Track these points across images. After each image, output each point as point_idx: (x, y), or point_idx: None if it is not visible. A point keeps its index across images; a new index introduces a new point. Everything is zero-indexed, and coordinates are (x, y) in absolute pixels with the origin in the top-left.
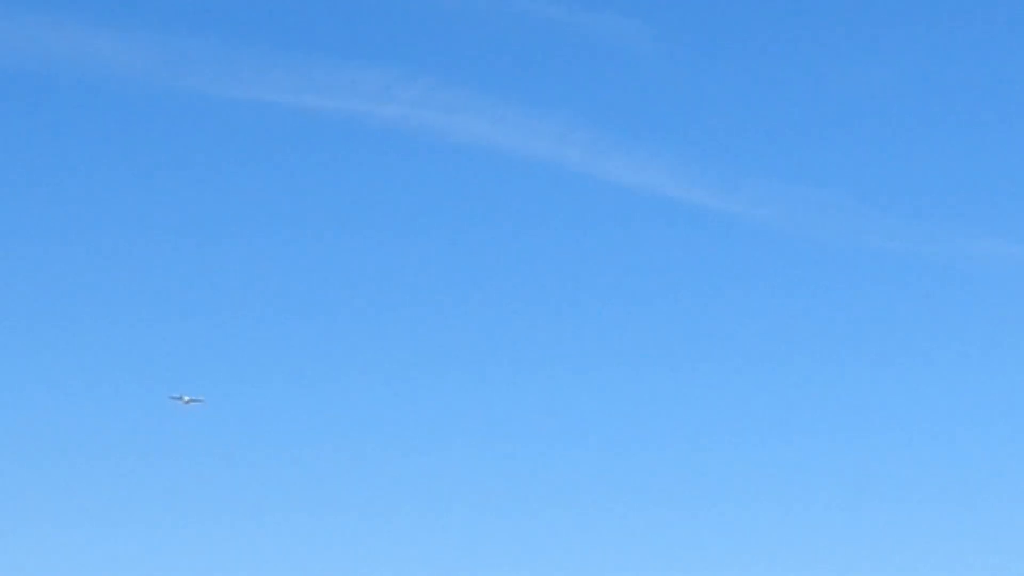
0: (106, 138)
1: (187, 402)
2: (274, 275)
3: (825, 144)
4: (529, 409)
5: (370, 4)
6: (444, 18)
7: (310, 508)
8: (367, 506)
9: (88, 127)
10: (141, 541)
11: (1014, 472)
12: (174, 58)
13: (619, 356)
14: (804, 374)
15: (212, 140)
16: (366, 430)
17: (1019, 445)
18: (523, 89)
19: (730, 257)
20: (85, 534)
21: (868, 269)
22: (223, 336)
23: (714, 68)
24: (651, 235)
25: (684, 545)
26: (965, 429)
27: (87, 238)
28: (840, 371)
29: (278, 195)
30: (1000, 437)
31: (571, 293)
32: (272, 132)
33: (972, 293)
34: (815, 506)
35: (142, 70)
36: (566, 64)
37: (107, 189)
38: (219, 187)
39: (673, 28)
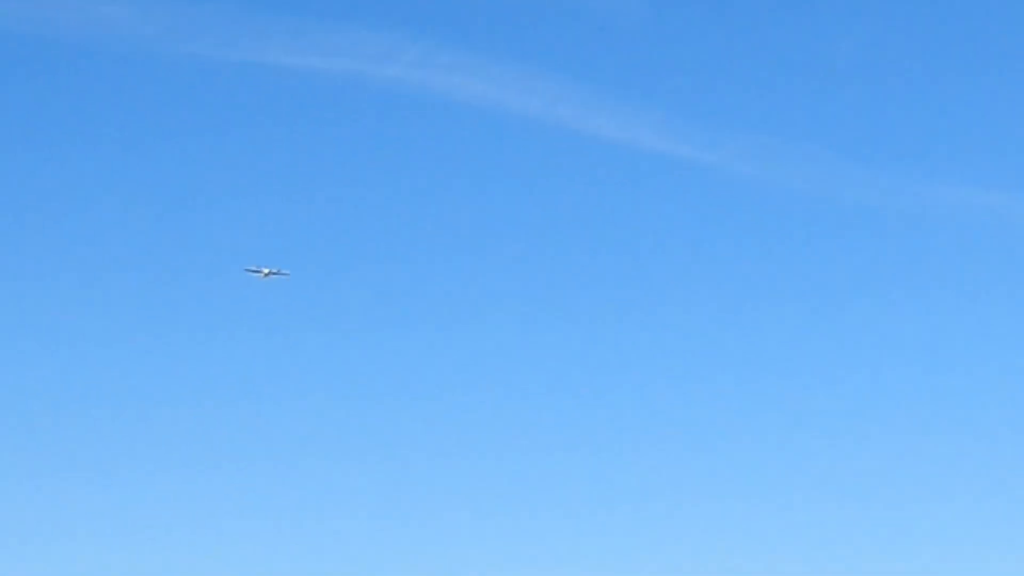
0: (112, 102)
1: (266, 275)
2: (276, 235)
3: (804, 100)
4: (521, 359)
5: None
6: None
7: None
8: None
9: (93, 91)
10: None
11: (991, 421)
12: (178, 23)
13: (608, 308)
14: (787, 325)
15: (216, 103)
16: (356, 381)
17: (999, 398)
18: (517, 50)
19: (714, 208)
20: None
21: (848, 220)
22: (222, 301)
23: (698, 29)
24: (639, 188)
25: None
26: (946, 380)
27: (91, 205)
28: (821, 322)
29: (282, 155)
30: (979, 390)
31: (562, 244)
32: (275, 94)
33: (950, 242)
34: (792, 477)
35: (146, 35)
36: (559, 26)
37: (112, 153)
38: (224, 149)
39: None
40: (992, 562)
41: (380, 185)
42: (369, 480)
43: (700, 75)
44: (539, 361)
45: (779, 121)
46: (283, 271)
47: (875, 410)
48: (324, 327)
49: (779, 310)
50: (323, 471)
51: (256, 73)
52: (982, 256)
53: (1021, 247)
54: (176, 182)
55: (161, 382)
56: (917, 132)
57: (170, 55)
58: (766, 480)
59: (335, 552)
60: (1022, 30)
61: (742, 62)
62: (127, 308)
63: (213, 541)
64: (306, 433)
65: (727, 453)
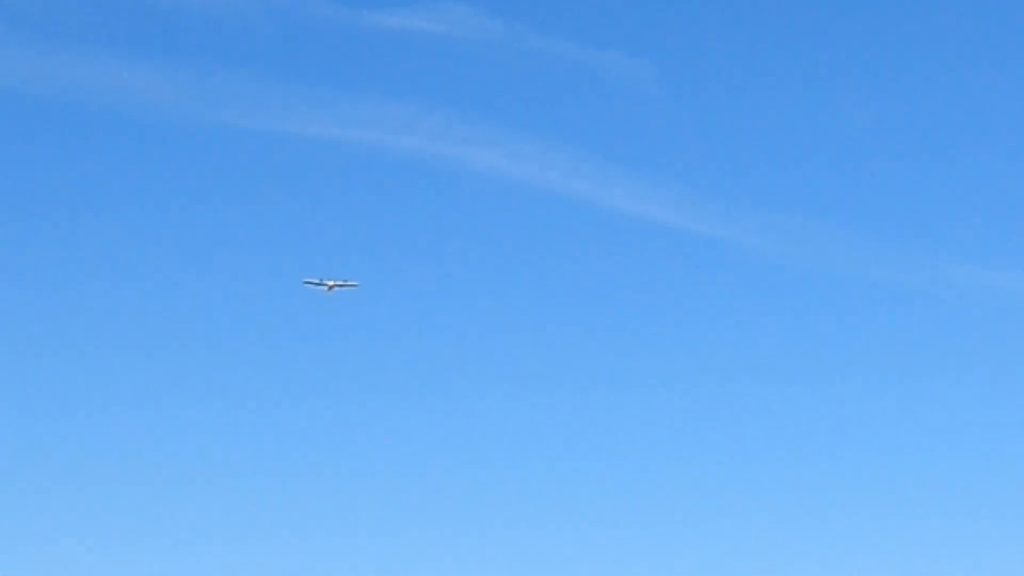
0: (139, 168)
1: (331, 288)
2: (296, 302)
3: (819, 176)
4: (531, 428)
5: (392, 41)
6: (461, 55)
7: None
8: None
9: (122, 157)
10: None
11: (995, 490)
12: (205, 91)
13: (622, 378)
14: (799, 397)
15: (237, 170)
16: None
17: (1003, 464)
18: (535, 123)
19: (728, 284)
20: None
21: (860, 295)
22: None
23: (714, 104)
24: (654, 262)
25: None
26: (959, 455)
27: (119, 266)
28: (834, 394)
29: (301, 223)
30: (985, 459)
31: (578, 316)
32: (295, 162)
33: (960, 320)
34: (802, 515)
35: (169, 102)
36: (576, 99)
37: (140, 217)
38: (243, 216)
39: (676, 66)
40: None
41: (397, 255)
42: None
43: (716, 150)
44: (547, 430)
45: (794, 197)
46: (350, 282)
47: (885, 486)
48: (335, 396)
49: (793, 386)
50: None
51: (277, 141)
52: (996, 334)
53: None
54: (192, 250)
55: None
56: (931, 210)
57: (192, 122)
58: (757, 500)
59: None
60: None
61: (758, 138)
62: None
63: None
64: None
65: (738, 530)
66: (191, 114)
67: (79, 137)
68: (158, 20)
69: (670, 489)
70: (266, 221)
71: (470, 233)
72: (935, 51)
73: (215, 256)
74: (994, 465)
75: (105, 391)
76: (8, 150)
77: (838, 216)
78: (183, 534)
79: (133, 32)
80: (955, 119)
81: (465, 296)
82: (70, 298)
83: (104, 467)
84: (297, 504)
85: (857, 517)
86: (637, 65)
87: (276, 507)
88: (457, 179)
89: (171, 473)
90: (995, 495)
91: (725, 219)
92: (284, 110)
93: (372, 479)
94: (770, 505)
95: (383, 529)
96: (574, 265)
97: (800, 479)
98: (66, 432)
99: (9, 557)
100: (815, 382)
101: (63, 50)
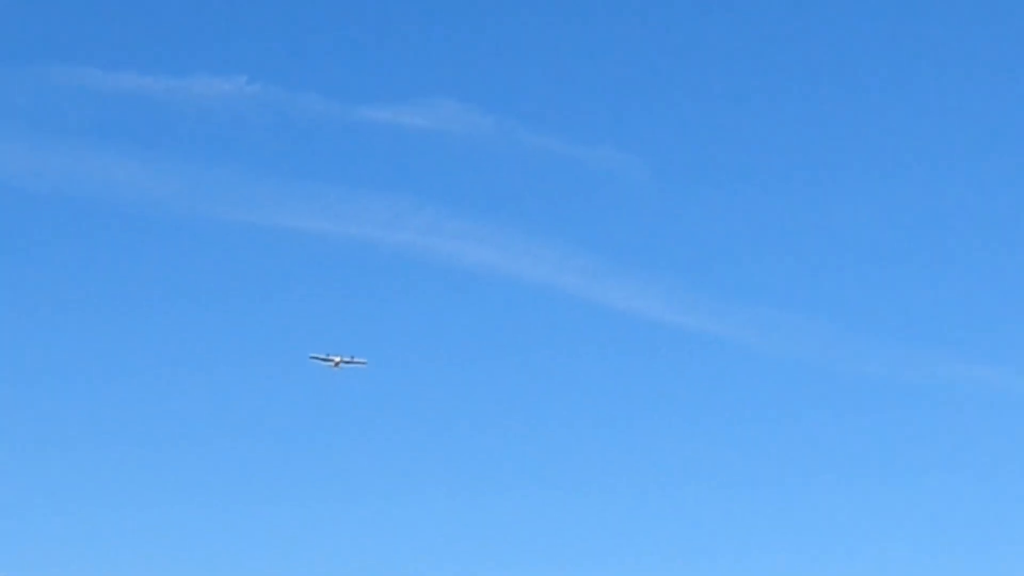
0: (131, 261)
1: (338, 364)
2: (284, 401)
3: (809, 272)
4: (522, 529)
5: (384, 136)
6: (453, 150)
7: None
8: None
9: (114, 250)
10: None
11: None
12: (193, 185)
13: (611, 477)
14: (792, 493)
15: (229, 263)
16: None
17: (996, 560)
18: (526, 217)
19: (718, 378)
20: None
21: (852, 391)
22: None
23: (704, 199)
24: (644, 356)
25: None
26: (949, 550)
27: (112, 360)
28: (827, 490)
29: (291, 318)
30: (980, 553)
31: (567, 410)
32: (287, 256)
33: (954, 416)
34: None
35: (162, 196)
36: (566, 194)
37: (133, 309)
38: (234, 310)
39: (666, 162)
40: None
41: (386, 349)
42: None
43: (706, 245)
44: (540, 528)
45: (784, 292)
46: (357, 359)
47: None
48: (328, 487)
49: (785, 482)
50: None
51: (269, 235)
52: (986, 430)
53: (1016, 421)
54: (181, 344)
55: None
56: (924, 306)
57: (185, 216)
58: None
59: None
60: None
61: (748, 233)
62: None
63: None
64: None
65: None
66: (183, 207)
67: (74, 230)
68: (151, 114)
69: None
70: (255, 314)
71: (460, 327)
72: (923, 147)
73: (202, 350)
74: (987, 560)
75: (115, 475)
76: (2, 243)
77: (828, 312)
78: None
79: (127, 126)
80: (947, 218)
81: (452, 390)
82: (67, 391)
83: (114, 550)
84: None
85: None
86: (627, 160)
87: None
88: (448, 273)
89: (178, 552)
90: None
91: (715, 314)
92: (276, 204)
93: (375, 556)
94: None
95: None
96: (564, 359)
97: (788, 570)
98: (76, 513)
99: None
100: (807, 478)
101: (57, 143)
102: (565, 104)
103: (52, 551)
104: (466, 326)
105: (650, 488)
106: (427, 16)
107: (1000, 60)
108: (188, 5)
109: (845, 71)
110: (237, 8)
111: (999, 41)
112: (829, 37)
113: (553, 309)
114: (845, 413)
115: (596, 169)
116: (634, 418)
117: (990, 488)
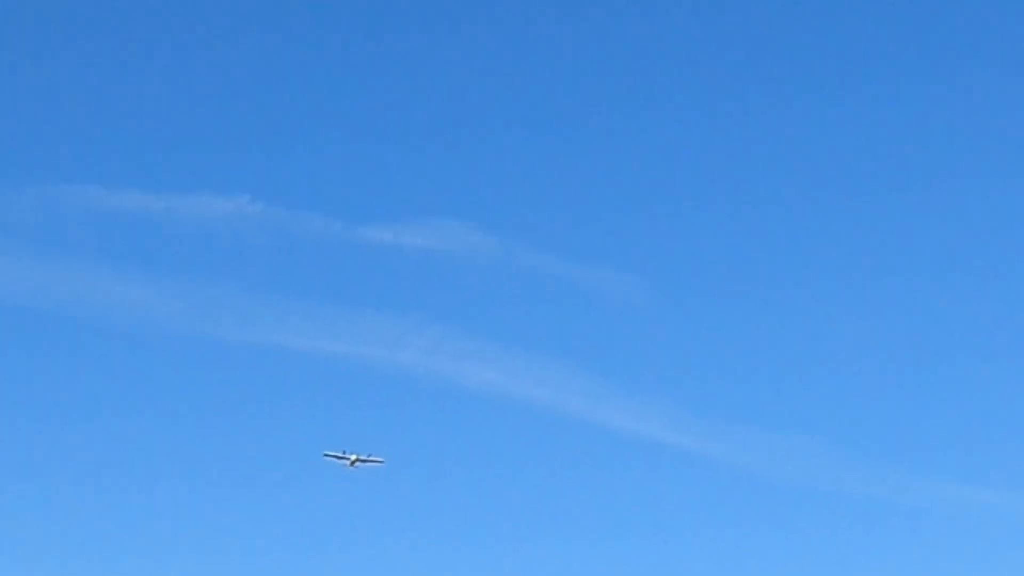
0: (132, 378)
1: (354, 463)
2: (290, 522)
3: (812, 395)
4: None
5: (386, 256)
6: (455, 270)
7: None
8: None
9: (115, 370)
10: None
11: None
12: (195, 304)
13: None
14: None
15: (231, 383)
16: None
17: None
18: (527, 338)
19: (718, 499)
20: None
21: (852, 513)
22: None
23: (704, 321)
24: (645, 478)
25: None
26: None
27: (111, 482)
28: None
29: (294, 436)
30: None
31: (568, 531)
32: (289, 376)
33: (949, 538)
34: None
35: (164, 315)
36: (568, 315)
37: (131, 427)
38: (236, 429)
39: (666, 283)
40: None
41: (390, 468)
42: None
43: (707, 367)
44: None
45: (784, 414)
46: (374, 457)
47: None
48: None
49: None
50: None
51: (270, 355)
52: (980, 553)
53: (1019, 546)
54: (187, 462)
55: None
56: (922, 429)
57: (186, 334)
58: None
59: None
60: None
61: (749, 355)
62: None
63: None
64: None
65: None
66: (185, 325)
67: (76, 348)
68: (152, 233)
69: None
70: (257, 433)
71: (463, 449)
72: (921, 273)
73: (201, 469)
74: None
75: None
76: (4, 361)
77: (830, 434)
78: None
79: (129, 243)
80: (941, 342)
81: (453, 511)
82: (72, 505)
83: None
84: None
85: None
86: (628, 281)
87: None
88: (450, 394)
89: None
90: None
91: (716, 436)
92: (278, 323)
93: None
94: None
95: None
96: (565, 480)
97: None
98: None
99: None
100: None
101: (59, 260)
102: (566, 225)
103: None
104: (468, 447)
105: None
106: (429, 137)
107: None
108: (191, 124)
109: (843, 183)
110: (239, 128)
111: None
112: (830, 151)
113: (554, 429)
114: (847, 537)
115: (598, 290)
116: (634, 539)
117: None
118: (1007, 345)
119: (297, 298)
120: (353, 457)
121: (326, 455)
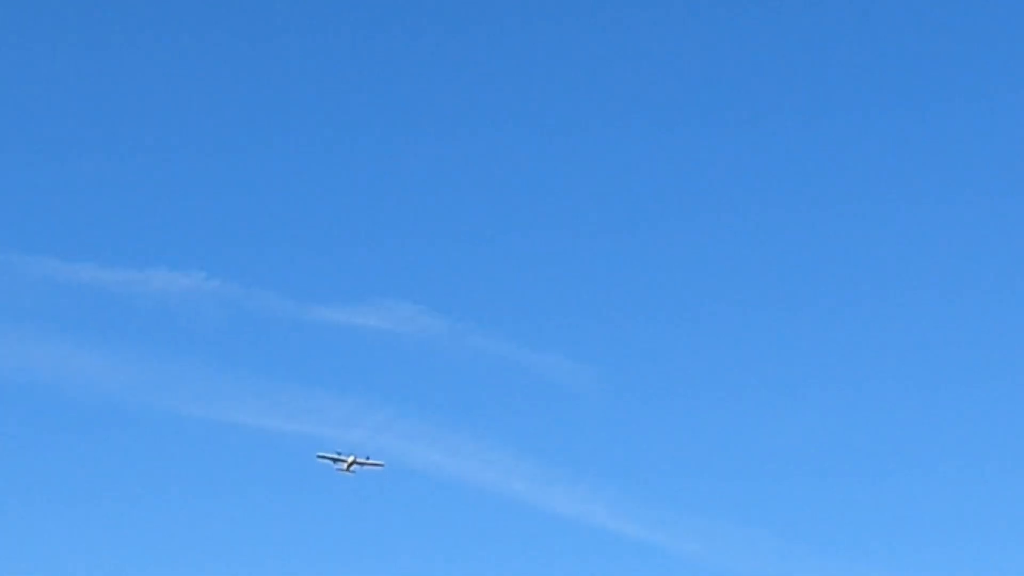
0: (86, 452)
1: (350, 466)
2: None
3: (753, 485)
4: None
5: (337, 336)
6: (405, 352)
7: None
8: None
9: (70, 443)
10: None
11: None
12: (149, 377)
13: None
14: None
15: (181, 458)
16: None
17: None
18: (476, 422)
19: None
20: None
21: None
22: None
23: (654, 409)
24: (590, 565)
25: None
26: None
27: (62, 556)
28: None
29: (243, 515)
30: None
31: None
32: (239, 453)
33: None
34: None
35: (116, 387)
36: (517, 400)
37: (88, 503)
38: (186, 505)
39: (615, 371)
40: None
41: (336, 547)
42: None
43: (655, 455)
44: None
45: (732, 505)
46: (372, 460)
47: None
48: None
49: None
50: None
51: (220, 430)
52: None
53: None
54: (138, 537)
55: None
56: (867, 521)
57: (141, 408)
58: None
59: None
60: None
61: (698, 445)
62: None
63: None
64: None
65: None
66: (140, 400)
67: (30, 420)
68: (109, 305)
69: None
70: (207, 514)
71: (403, 530)
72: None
73: (169, 545)
74: None
75: None
76: None
77: (775, 524)
78: None
79: (84, 317)
80: (890, 433)
81: None
82: None
83: None
84: None
85: None
86: (578, 369)
87: None
88: (396, 474)
89: None
90: None
91: (662, 524)
92: (230, 399)
93: None
94: None
95: None
96: (509, 565)
97: None
98: None
99: None
100: None
101: (13, 332)
102: (518, 311)
103: None
104: (409, 529)
105: None
106: (384, 219)
107: None
108: (148, 200)
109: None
110: (196, 205)
111: None
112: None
113: (500, 514)
114: None
115: (547, 376)
116: None
117: None
118: (950, 447)
119: (251, 375)
120: (350, 459)
121: (320, 456)
